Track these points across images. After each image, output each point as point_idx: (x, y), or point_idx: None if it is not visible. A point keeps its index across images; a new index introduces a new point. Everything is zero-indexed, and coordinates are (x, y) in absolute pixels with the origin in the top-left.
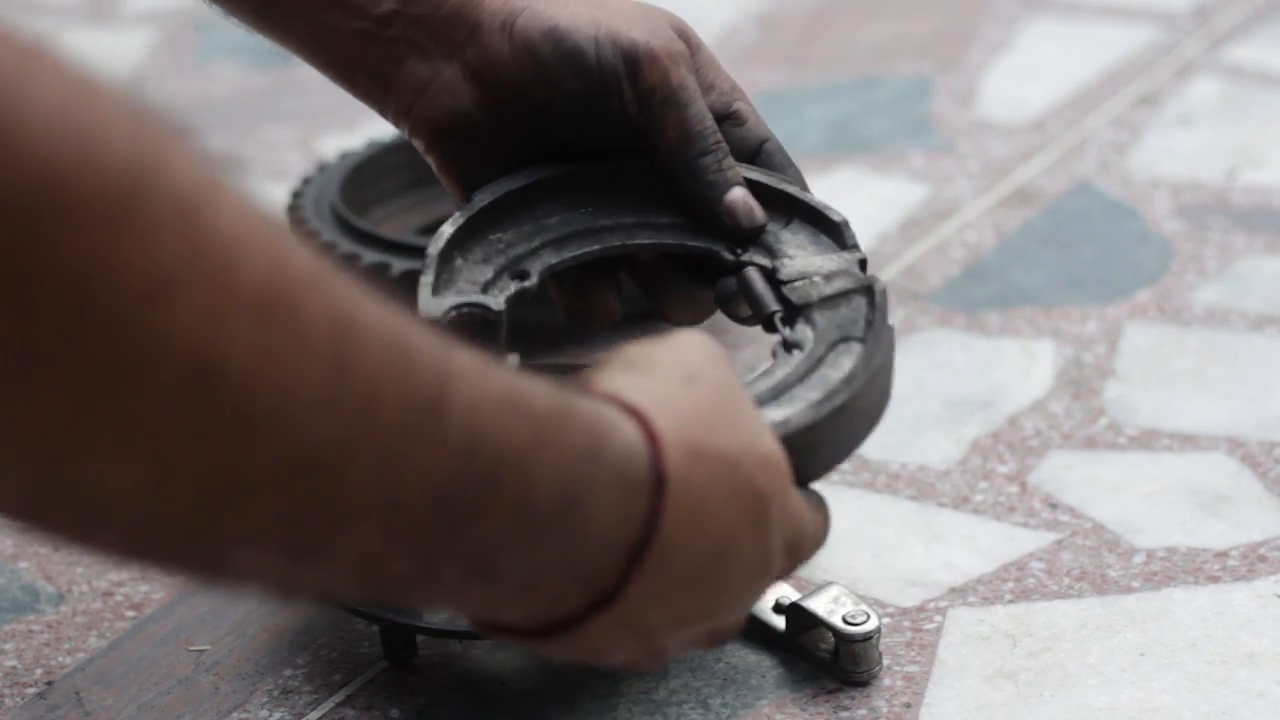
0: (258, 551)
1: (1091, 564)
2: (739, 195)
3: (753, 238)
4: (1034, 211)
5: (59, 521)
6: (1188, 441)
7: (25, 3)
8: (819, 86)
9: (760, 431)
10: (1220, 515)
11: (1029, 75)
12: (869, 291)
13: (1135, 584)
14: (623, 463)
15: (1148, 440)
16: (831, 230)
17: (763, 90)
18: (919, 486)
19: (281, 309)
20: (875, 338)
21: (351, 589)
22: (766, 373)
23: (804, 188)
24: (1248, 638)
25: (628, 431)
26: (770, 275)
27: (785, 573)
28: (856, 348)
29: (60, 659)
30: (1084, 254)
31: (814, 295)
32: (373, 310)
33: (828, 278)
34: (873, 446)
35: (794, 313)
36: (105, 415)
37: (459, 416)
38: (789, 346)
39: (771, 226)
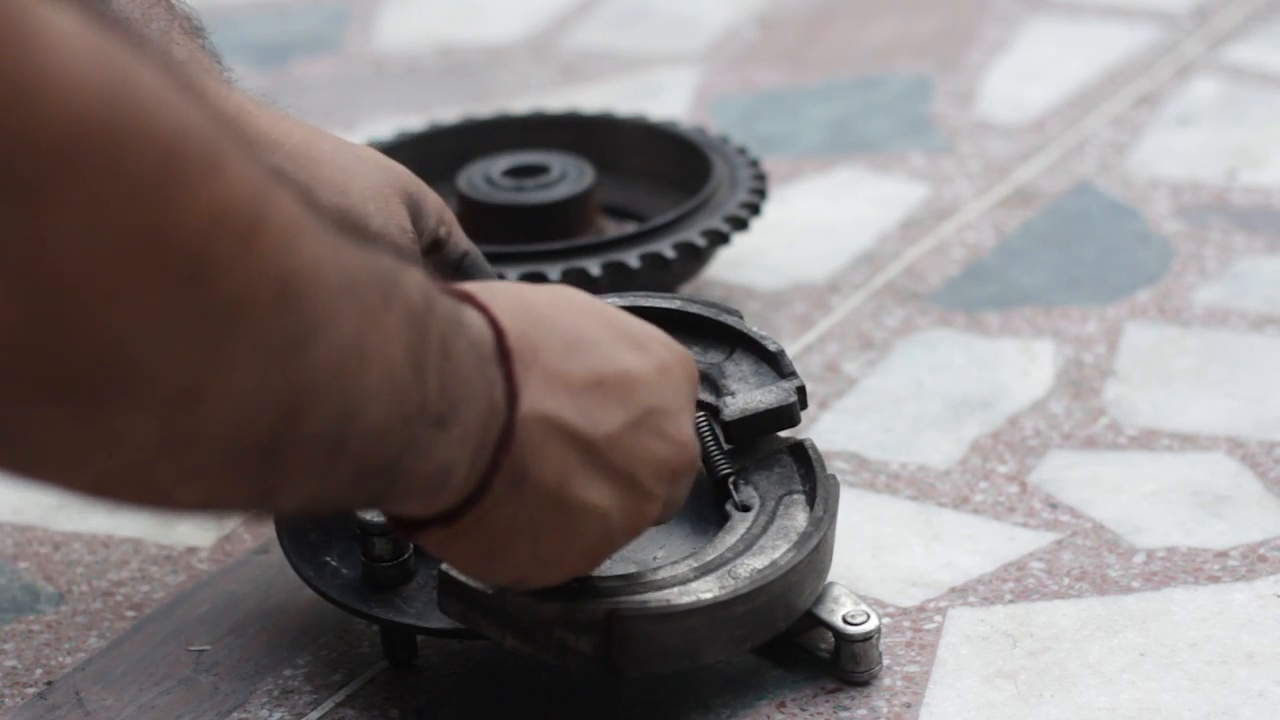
0: (311, 455)
1: (1091, 564)
2: None
3: None
4: (1034, 211)
5: (187, 437)
6: (1188, 441)
7: None
8: (819, 86)
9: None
10: (1220, 515)
11: (1029, 75)
12: (795, 450)
13: (1135, 584)
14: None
15: (1148, 440)
16: (769, 359)
17: (763, 90)
18: (919, 486)
19: (313, 227)
20: (823, 484)
21: (362, 482)
22: (728, 530)
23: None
24: (1248, 638)
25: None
26: (714, 422)
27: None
28: (800, 499)
29: (60, 659)
30: (1084, 254)
31: (748, 460)
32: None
33: (756, 444)
34: (873, 446)
35: (737, 475)
36: (225, 347)
37: (413, 284)
38: (741, 508)
39: (716, 358)
